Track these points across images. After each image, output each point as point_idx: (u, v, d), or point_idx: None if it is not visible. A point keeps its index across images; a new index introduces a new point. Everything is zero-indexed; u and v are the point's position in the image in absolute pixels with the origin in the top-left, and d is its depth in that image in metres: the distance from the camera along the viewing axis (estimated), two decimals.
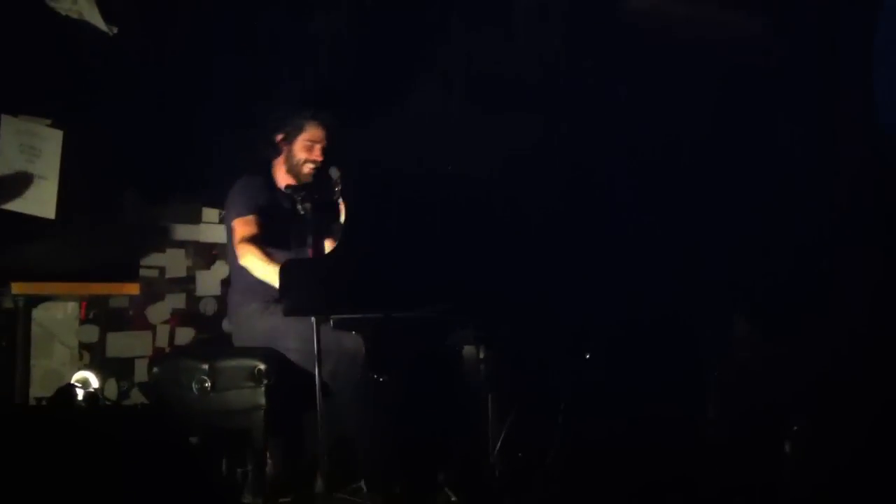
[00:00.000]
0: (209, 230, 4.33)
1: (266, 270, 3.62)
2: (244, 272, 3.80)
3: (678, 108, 4.66)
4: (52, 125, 3.79)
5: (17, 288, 3.64)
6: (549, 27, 4.79)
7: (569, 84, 4.77)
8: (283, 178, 3.96)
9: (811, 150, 4.58)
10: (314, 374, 3.29)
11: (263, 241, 3.75)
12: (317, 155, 3.88)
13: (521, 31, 4.77)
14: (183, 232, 4.32)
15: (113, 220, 4.05)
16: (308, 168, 3.86)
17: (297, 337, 3.55)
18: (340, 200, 3.71)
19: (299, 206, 3.55)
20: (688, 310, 4.40)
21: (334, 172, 3.74)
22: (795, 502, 3.25)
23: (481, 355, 3.49)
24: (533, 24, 4.78)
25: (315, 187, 3.79)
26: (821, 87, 4.61)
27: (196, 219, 4.34)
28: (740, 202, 4.72)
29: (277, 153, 3.95)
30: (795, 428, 3.22)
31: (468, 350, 3.61)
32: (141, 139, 4.08)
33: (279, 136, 3.93)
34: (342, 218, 3.76)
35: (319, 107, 3.97)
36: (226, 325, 3.99)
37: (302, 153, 3.88)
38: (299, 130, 3.90)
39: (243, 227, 3.78)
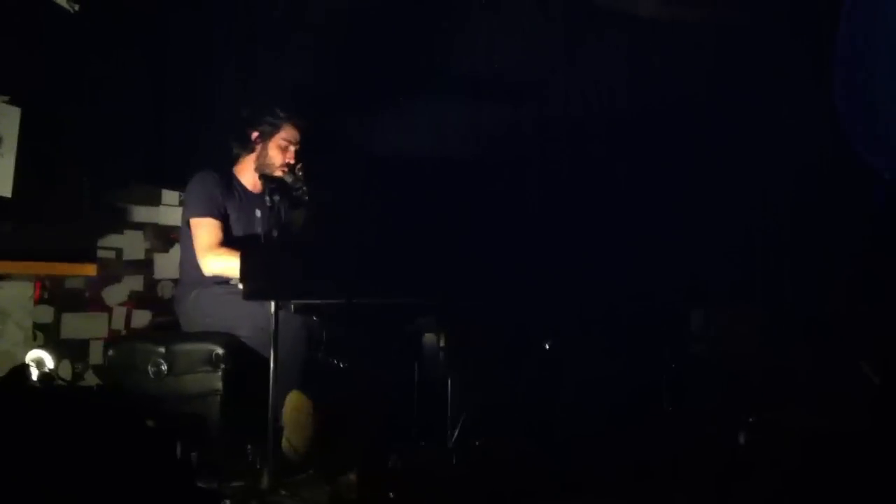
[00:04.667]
0: (168, 213, 4.29)
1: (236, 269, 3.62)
2: (194, 260, 3.79)
3: (681, 105, 4.71)
4: (10, 102, 3.72)
5: None
6: (543, 17, 4.81)
7: (557, 77, 4.81)
8: (249, 175, 3.97)
9: (815, 151, 4.64)
10: (267, 360, 3.28)
11: (225, 243, 3.78)
12: (290, 157, 3.91)
13: (509, 19, 4.79)
14: (142, 214, 4.27)
15: (70, 201, 3.99)
16: (281, 169, 3.86)
17: (250, 324, 3.54)
18: (303, 196, 3.73)
19: (268, 198, 3.56)
20: (648, 304, 4.46)
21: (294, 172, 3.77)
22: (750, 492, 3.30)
23: (441, 343, 3.51)
24: (523, 14, 4.80)
25: (282, 182, 3.78)
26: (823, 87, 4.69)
27: (155, 201, 4.30)
28: (746, 200, 4.78)
29: (249, 149, 3.95)
30: (751, 420, 3.28)
31: (429, 337, 3.62)
32: (100, 120, 4.03)
33: (254, 134, 3.92)
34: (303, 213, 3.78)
35: (296, 107, 3.97)
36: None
37: (276, 153, 3.90)
38: (276, 130, 3.92)
39: (203, 231, 3.80)
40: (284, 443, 3.43)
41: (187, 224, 3.87)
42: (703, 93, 4.73)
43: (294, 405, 3.47)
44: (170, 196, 4.28)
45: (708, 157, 4.71)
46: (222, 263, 3.69)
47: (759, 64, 4.78)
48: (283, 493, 3.26)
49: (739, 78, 4.79)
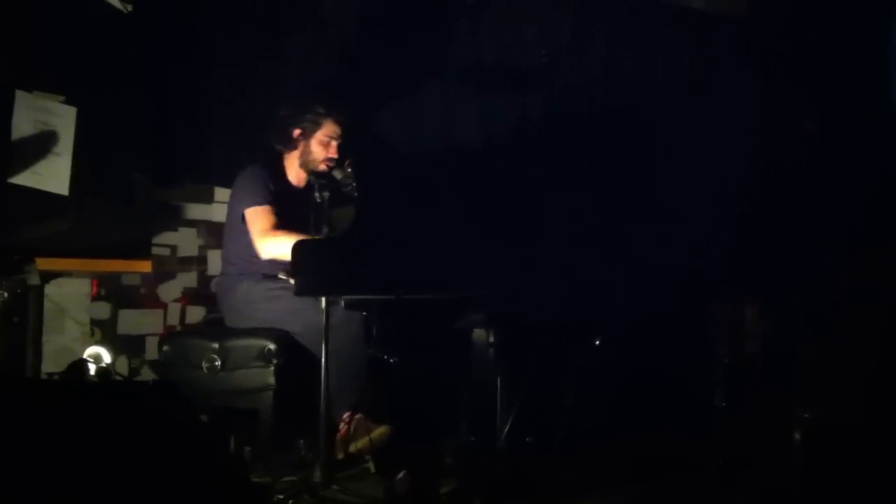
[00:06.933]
0: (221, 210, 4.31)
1: None
2: (243, 255, 3.81)
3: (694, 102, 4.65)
4: (66, 102, 3.78)
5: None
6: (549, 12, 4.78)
7: (574, 74, 4.77)
8: (293, 171, 4.00)
9: (830, 146, 4.57)
10: (319, 356, 3.30)
11: (280, 226, 3.77)
12: (332, 151, 3.93)
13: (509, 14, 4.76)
14: (195, 211, 4.33)
15: (125, 199, 4.05)
16: (324, 164, 3.88)
17: (301, 320, 3.56)
18: (353, 192, 3.73)
19: (317, 194, 3.57)
20: (697, 299, 4.41)
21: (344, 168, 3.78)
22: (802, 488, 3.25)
23: (491, 339, 3.49)
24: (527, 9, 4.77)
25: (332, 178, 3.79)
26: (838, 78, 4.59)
27: (208, 198, 4.35)
28: (753, 193, 4.72)
29: (292, 147, 3.97)
30: (806, 416, 3.22)
31: (478, 333, 3.61)
32: (153, 118, 4.09)
33: (296, 131, 3.94)
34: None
35: (335, 102, 3.98)
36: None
37: (319, 149, 3.93)
38: (317, 126, 3.94)
39: (259, 218, 3.79)
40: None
41: (241, 218, 3.87)
42: (708, 81, 4.67)
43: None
44: (222, 193, 4.31)
45: (714, 146, 4.65)
46: (279, 246, 3.67)
47: (768, 52, 4.71)
48: (335, 487, 3.28)
49: (748, 65, 4.71)
